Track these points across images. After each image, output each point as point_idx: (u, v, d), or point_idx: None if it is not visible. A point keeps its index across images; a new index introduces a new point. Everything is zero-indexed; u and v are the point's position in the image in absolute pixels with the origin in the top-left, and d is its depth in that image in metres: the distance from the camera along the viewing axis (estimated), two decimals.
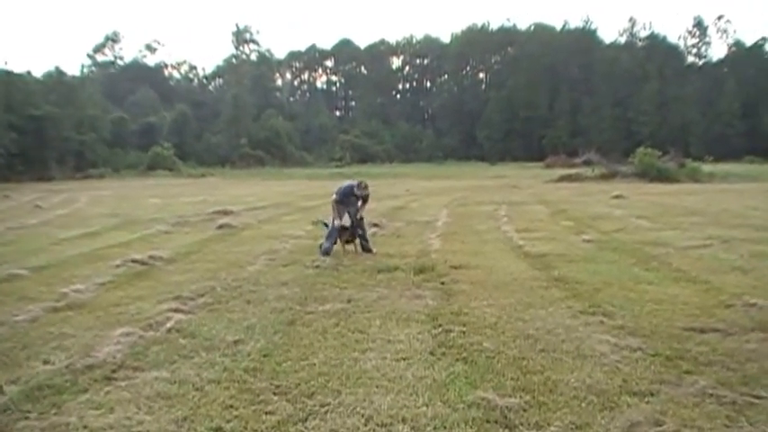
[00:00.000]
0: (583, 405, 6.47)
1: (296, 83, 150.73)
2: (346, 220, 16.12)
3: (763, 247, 16.19)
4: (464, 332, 8.88)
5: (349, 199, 16.15)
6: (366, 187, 16.35)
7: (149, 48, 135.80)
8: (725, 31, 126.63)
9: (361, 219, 16.17)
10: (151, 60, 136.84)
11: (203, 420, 6.24)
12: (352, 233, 16.00)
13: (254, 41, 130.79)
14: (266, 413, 6.37)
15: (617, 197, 33.05)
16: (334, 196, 16.20)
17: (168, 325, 9.37)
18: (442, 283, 12.25)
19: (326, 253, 15.57)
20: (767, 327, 9.02)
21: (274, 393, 6.85)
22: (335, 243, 15.86)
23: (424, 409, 6.37)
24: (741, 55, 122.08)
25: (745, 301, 10.56)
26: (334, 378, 7.25)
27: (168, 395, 6.85)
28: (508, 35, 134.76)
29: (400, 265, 13.88)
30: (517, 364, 7.61)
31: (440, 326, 9.21)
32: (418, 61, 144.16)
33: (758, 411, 6.28)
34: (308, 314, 10.09)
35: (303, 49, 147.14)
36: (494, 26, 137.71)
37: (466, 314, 9.90)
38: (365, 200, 16.36)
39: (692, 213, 24.66)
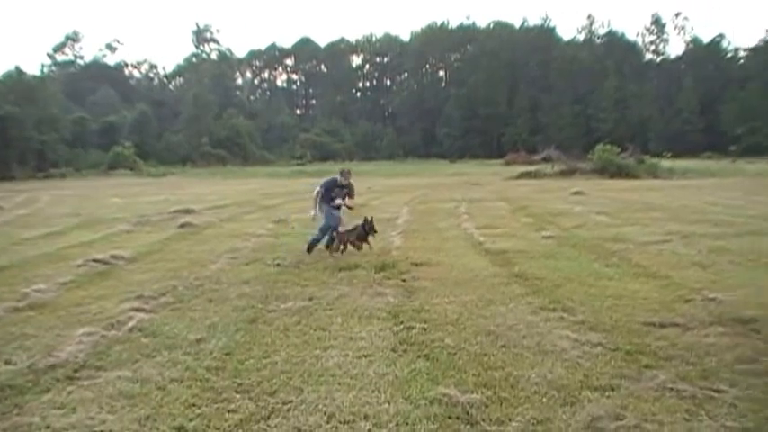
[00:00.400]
0: (544, 400, 6.52)
1: (256, 81, 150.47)
2: (334, 220, 15.72)
3: (721, 242, 16.37)
4: (425, 329, 8.92)
5: (334, 191, 15.78)
6: (349, 173, 16.14)
7: (110, 47, 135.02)
8: (682, 27, 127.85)
9: (372, 219, 15.52)
10: (111, 60, 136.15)
11: (166, 419, 6.23)
12: (363, 236, 15.42)
13: (214, 40, 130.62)
14: (229, 411, 6.37)
15: (577, 193, 33.30)
16: (318, 189, 15.76)
17: (130, 324, 9.32)
18: (404, 281, 12.28)
19: (311, 244, 15.72)
20: (726, 321, 9.13)
21: (237, 391, 6.85)
22: (342, 246, 15.36)
23: (386, 405, 6.40)
24: (699, 52, 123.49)
25: (705, 295, 10.69)
26: (296, 376, 7.26)
27: (131, 394, 6.83)
28: (468, 33, 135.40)
29: (362, 263, 13.86)
30: (478, 360, 7.65)
31: (401, 323, 9.25)
32: (378, 59, 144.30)
33: (717, 405, 6.36)
34: (270, 312, 10.09)
35: (263, 47, 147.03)
36: (453, 24, 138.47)
37: (427, 311, 9.94)
38: (351, 191, 16.04)
39: (652, 209, 24.87)
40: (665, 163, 58.20)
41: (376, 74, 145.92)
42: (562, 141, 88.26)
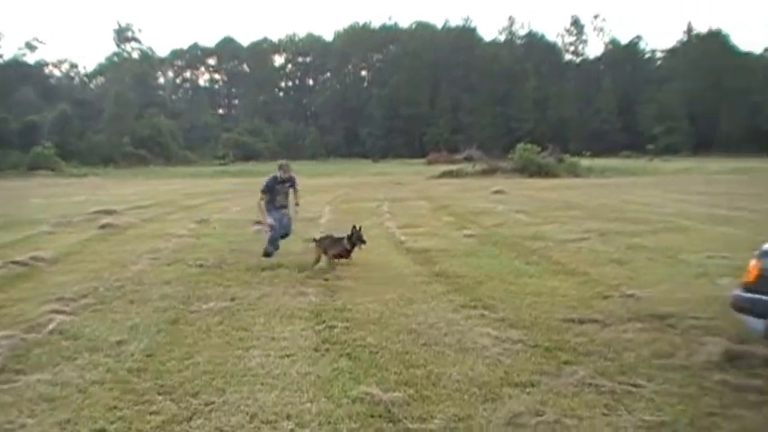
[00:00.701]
0: (465, 397, 6.56)
1: (178, 81, 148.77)
2: (274, 220, 14.86)
3: (638, 239, 16.69)
4: (348, 328, 8.94)
5: (277, 188, 15.18)
6: (288, 166, 15.56)
7: (29, 46, 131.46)
8: (601, 29, 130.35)
9: (360, 229, 13.65)
10: (31, 58, 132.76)
11: (87, 422, 6.14)
12: (348, 248, 13.58)
13: (135, 39, 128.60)
14: (150, 413, 6.29)
15: (497, 192, 33.59)
16: (261, 195, 15.07)
17: (50, 327, 9.16)
18: (326, 280, 12.29)
19: (268, 251, 14.85)
20: (643, 317, 9.32)
21: (159, 393, 6.77)
22: (328, 258, 13.58)
23: (309, 405, 6.39)
24: (617, 53, 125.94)
25: (622, 292, 10.90)
26: (218, 376, 7.21)
27: (51, 398, 6.72)
28: (390, 33, 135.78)
29: (284, 263, 13.81)
30: (400, 359, 7.69)
31: (324, 322, 9.25)
32: (301, 59, 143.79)
33: (635, 399, 6.48)
34: (192, 313, 10.01)
35: (185, 46, 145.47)
36: (376, 24, 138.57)
37: (350, 310, 9.96)
38: (294, 183, 15.49)
39: (571, 207, 25.23)
40: (585, 162, 59.16)
41: (299, 73, 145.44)
42: (483, 141, 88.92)
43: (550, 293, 10.88)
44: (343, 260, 13.58)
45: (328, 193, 36.48)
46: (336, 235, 14.03)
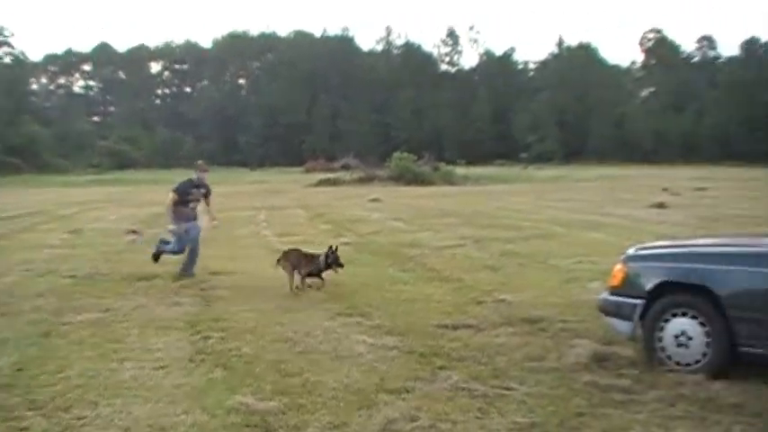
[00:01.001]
0: (341, 405, 6.59)
1: (52, 87, 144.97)
2: (185, 227, 13.71)
3: (511, 245, 17.06)
4: (223, 338, 8.90)
5: (192, 193, 14.00)
6: (205, 168, 14.51)
7: None
8: (476, 41, 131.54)
9: (336, 249, 12.25)
10: None
11: None
12: (323, 267, 12.18)
13: (7, 44, 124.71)
14: (20, 430, 6.15)
15: (374, 200, 33.73)
16: (172, 195, 13.86)
17: None
18: (202, 290, 12.23)
19: (187, 271, 13.73)
20: (515, 321, 9.53)
21: (29, 409, 6.60)
22: (301, 279, 12.20)
23: (183, 416, 6.32)
24: (491, 64, 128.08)
25: (495, 297, 11.14)
26: (91, 390, 7.07)
27: None
28: (268, 41, 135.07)
29: (159, 273, 13.63)
30: (276, 368, 7.67)
31: (199, 332, 9.19)
32: (178, 66, 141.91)
33: (508, 402, 6.60)
34: (65, 325, 9.80)
35: (60, 52, 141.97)
36: (254, 32, 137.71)
37: (225, 320, 9.91)
38: (207, 192, 14.32)
39: (446, 215, 25.55)
40: (460, 170, 59.95)
41: (176, 81, 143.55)
42: (361, 149, 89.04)
43: (426, 300, 11.04)
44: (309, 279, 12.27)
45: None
46: (304, 250, 12.71)
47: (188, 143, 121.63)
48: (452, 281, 12.67)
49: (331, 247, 12.23)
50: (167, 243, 14.15)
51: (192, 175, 14.29)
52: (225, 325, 9.61)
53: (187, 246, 13.77)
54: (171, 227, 13.77)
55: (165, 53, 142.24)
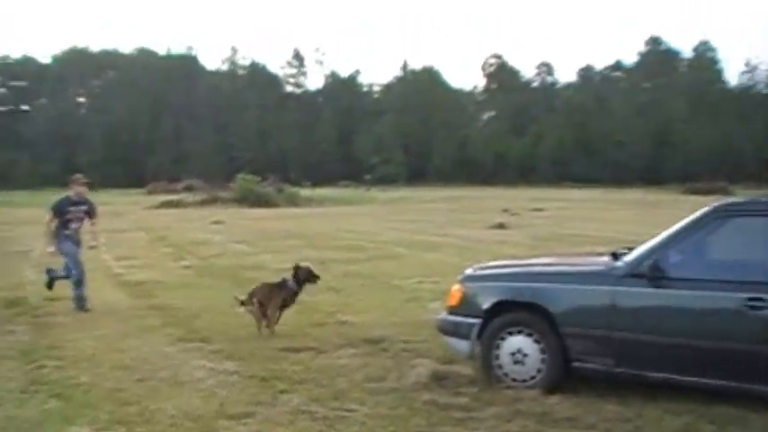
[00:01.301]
0: None
1: None
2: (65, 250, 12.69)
3: (354, 266, 17.21)
4: (59, 367, 8.63)
5: (70, 211, 12.88)
6: (83, 182, 13.31)
7: None
8: (322, 62, 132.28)
9: (307, 267, 11.07)
10: None
11: None
12: (297, 290, 10.86)
13: None
14: None
15: (217, 222, 33.40)
16: (49, 215, 12.94)
17: None
18: (37, 317, 11.88)
19: (80, 305, 12.54)
20: (357, 342, 9.60)
21: None
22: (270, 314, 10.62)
23: None
24: (336, 85, 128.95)
25: (338, 318, 11.25)
26: None
27: None
28: (110, 59, 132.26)
29: None
30: (114, 396, 7.50)
31: (33, 362, 8.88)
32: (15, 83, 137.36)
33: (348, 424, 6.62)
34: None
35: None
36: (95, 48, 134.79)
37: (62, 348, 9.63)
38: (91, 210, 13.19)
39: (290, 237, 25.53)
40: (305, 192, 59.98)
41: (12, 98, 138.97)
42: (205, 170, 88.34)
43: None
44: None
45: (42, 226, 35.02)
46: (269, 282, 11.25)
47: (25, 164, 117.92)
48: (294, 303, 12.65)
49: (297, 264, 11.05)
50: (53, 270, 13.24)
51: (69, 191, 13.17)
52: (61, 353, 9.32)
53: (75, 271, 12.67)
54: (50, 249, 12.87)
55: (1, 69, 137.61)
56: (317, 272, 11.12)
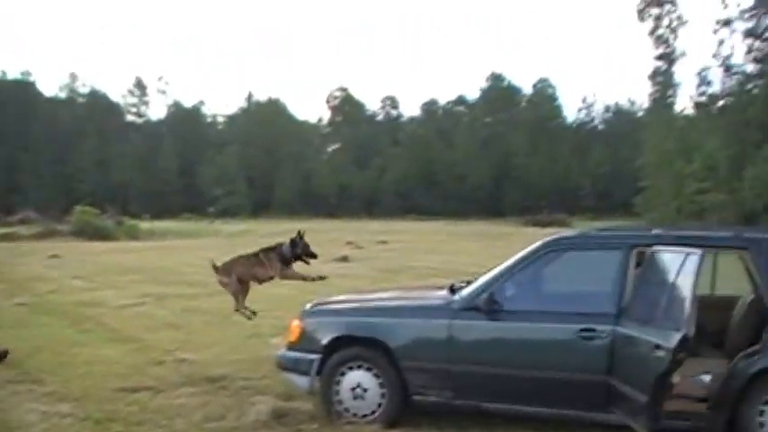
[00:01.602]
0: None
1: None
2: None
3: (196, 302, 16.98)
4: None
5: None
6: None
7: None
8: (164, 92, 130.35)
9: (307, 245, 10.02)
10: None
11: None
12: (289, 256, 9.85)
13: None
14: None
15: (53, 257, 32.34)
16: None
17: None
18: None
19: None
20: (197, 380, 9.48)
21: None
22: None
23: None
24: (179, 115, 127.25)
25: (177, 356, 11.03)
26: None
27: None
28: None
29: None
30: None
31: None
32: None
33: None
34: None
35: None
36: None
37: None
38: None
39: (129, 271, 25.00)
40: (145, 224, 58.98)
41: None
42: (42, 202, 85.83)
43: (104, 362, 10.71)
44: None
45: None
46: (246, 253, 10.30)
47: None
48: (132, 341, 12.39)
49: (299, 232, 9.98)
50: None
51: None
52: None
53: None
54: None
55: None
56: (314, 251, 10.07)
